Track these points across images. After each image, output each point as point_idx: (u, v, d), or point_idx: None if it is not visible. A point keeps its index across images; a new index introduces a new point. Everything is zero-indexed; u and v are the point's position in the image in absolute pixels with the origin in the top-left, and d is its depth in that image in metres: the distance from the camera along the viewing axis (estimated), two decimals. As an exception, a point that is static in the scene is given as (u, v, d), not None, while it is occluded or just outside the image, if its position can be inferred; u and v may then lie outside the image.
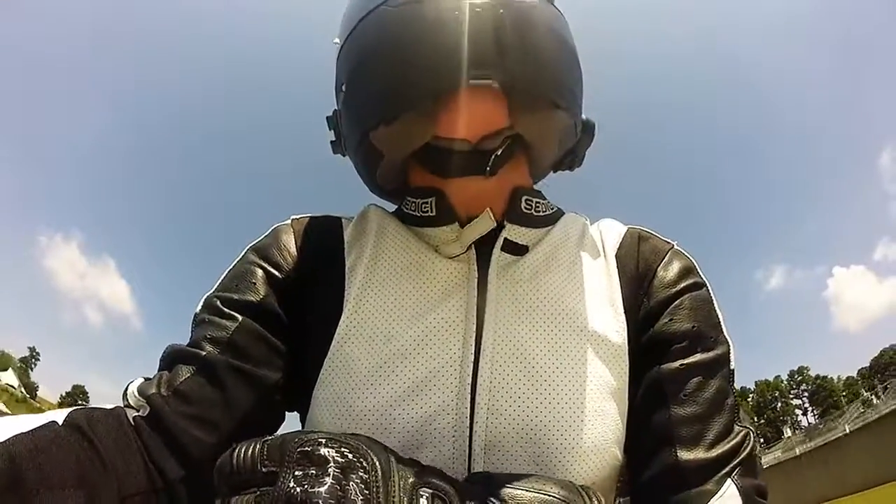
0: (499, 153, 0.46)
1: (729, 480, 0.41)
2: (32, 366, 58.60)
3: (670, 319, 0.47)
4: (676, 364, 0.45)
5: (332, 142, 0.54)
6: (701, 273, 0.51)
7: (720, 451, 0.42)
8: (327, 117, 0.53)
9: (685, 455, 0.41)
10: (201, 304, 0.48)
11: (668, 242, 0.53)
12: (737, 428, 0.43)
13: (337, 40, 0.48)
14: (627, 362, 0.47)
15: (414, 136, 0.45)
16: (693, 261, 0.52)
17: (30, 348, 60.10)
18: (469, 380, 0.43)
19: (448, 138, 0.45)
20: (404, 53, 0.41)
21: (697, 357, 0.45)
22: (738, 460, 0.42)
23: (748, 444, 0.43)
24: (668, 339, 0.46)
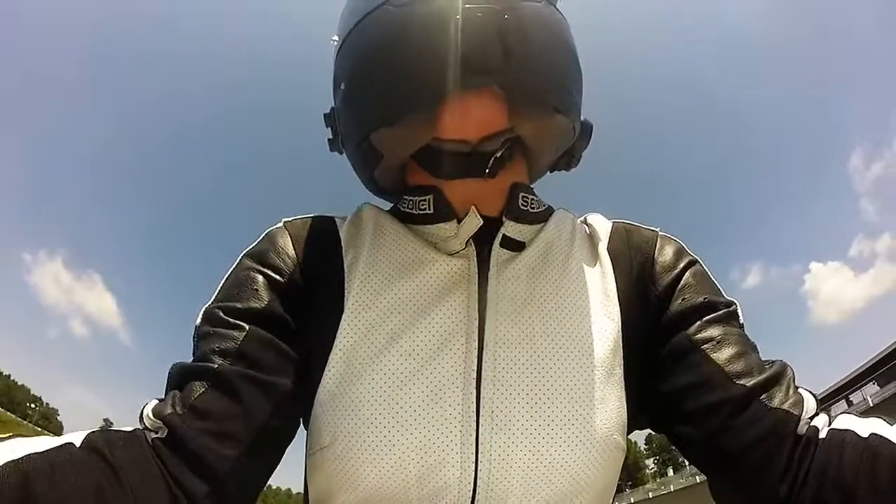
0: (498, 155, 0.47)
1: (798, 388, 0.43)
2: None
3: (683, 300, 0.49)
4: (698, 323, 0.47)
5: (329, 140, 0.53)
6: (689, 250, 0.54)
7: (772, 370, 0.44)
8: (325, 114, 0.53)
9: (748, 382, 0.43)
10: (202, 316, 0.47)
11: (653, 230, 0.55)
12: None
13: (335, 38, 0.48)
14: (623, 349, 0.48)
15: (415, 137, 0.45)
16: (679, 241, 0.55)
17: (105, 419, 64.36)
18: (474, 375, 0.44)
19: (448, 140, 0.45)
20: (407, 55, 0.41)
21: (716, 314, 0.48)
22: (791, 373, 0.44)
23: (788, 366, 0.45)
24: (686, 314, 0.48)
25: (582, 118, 0.51)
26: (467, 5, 0.40)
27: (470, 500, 0.41)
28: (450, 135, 0.45)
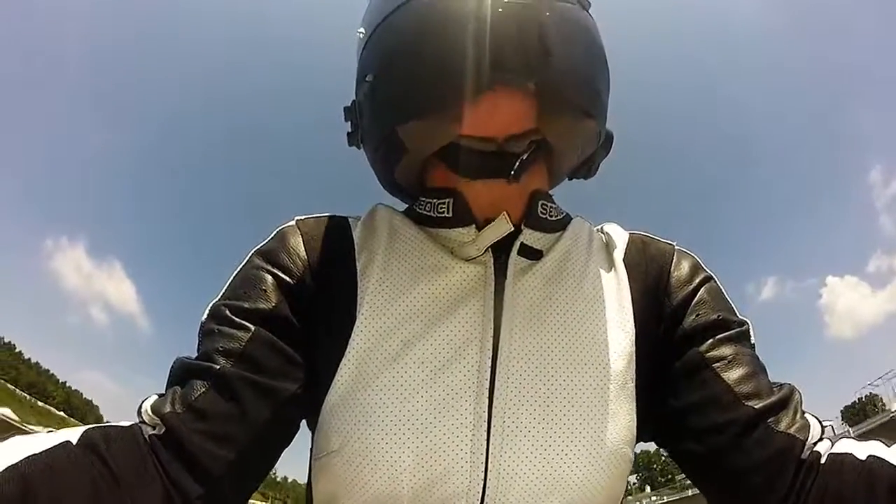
0: (524, 157, 0.46)
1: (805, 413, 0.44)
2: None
3: (696, 315, 0.49)
4: (711, 341, 0.47)
5: (348, 133, 0.52)
6: (705, 266, 0.54)
7: (781, 394, 0.44)
8: (345, 108, 0.51)
9: (757, 404, 0.43)
10: (208, 312, 0.46)
11: (670, 244, 0.55)
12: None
13: (361, 30, 0.47)
14: (635, 361, 0.48)
15: (442, 132, 0.44)
16: (695, 256, 0.55)
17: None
18: (486, 385, 0.44)
19: (475, 137, 0.45)
20: (442, 47, 0.40)
21: (729, 333, 0.48)
22: (798, 398, 0.45)
23: (796, 390, 0.46)
24: (699, 330, 0.48)
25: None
26: (506, 0, 0.40)
27: None
28: (476, 132, 0.44)
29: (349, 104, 0.51)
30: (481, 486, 0.41)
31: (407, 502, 0.42)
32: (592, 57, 0.45)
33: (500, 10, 0.39)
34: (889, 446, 0.40)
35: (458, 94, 0.41)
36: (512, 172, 0.46)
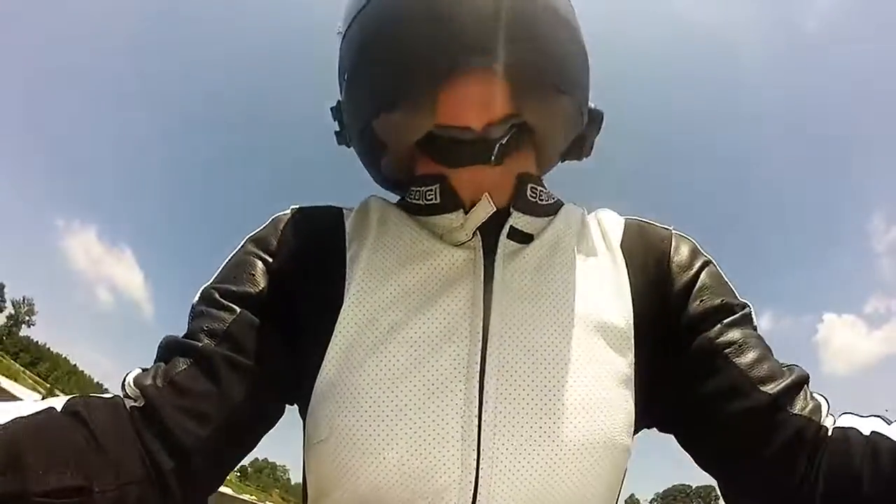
0: (504, 142, 0.46)
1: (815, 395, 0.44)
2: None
3: (701, 301, 0.48)
4: (719, 327, 0.47)
5: (336, 132, 0.54)
6: (703, 250, 0.53)
7: (793, 376, 0.44)
8: (331, 108, 0.54)
9: (772, 388, 0.42)
10: (199, 295, 0.48)
11: (667, 228, 0.54)
12: None
13: (340, 29, 0.49)
14: (633, 348, 0.47)
15: (416, 124, 0.45)
16: (694, 240, 0.54)
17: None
18: (477, 368, 0.43)
19: (452, 126, 0.45)
20: (403, 39, 0.41)
21: (734, 317, 0.48)
22: (807, 378, 0.45)
23: (805, 372, 0.45)
24: (704, 316, 0.48)
25: (592, 105, 0.51)
26: None
27: (471, 499, 0.40)
28: (452, 121, 0.45)
29: (335, 104, 0.53)
30: (473, 475, 0.40)
31: (399, 492, 0.40)
32: (560, 33, 0.45)
33: None
34: (889, 423, 0.41)
35: (422, 84, 0.42)
36: (493, 157, 0.46)
